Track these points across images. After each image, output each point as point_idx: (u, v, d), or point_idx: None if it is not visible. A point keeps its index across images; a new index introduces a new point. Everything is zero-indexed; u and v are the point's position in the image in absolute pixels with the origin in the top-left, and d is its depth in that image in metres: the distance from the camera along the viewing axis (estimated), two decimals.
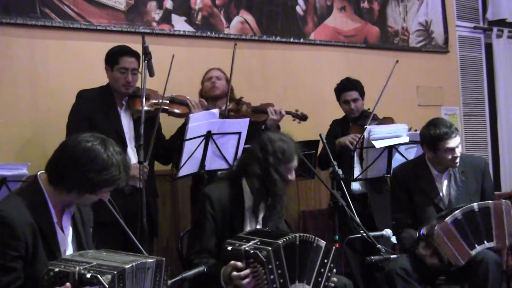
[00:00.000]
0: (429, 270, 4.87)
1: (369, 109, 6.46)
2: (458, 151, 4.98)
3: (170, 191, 5.99)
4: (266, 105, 6.06)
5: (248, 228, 4.32)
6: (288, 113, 6.06)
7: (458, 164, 5.02)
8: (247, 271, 3.84)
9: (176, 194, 6.30)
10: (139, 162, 4.65)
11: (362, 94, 6.43)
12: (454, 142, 4.94)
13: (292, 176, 4.33)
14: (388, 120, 6.34)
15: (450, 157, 4.96)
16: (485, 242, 4.79)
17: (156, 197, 5.65)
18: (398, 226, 5.10)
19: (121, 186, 3.42)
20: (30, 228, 3.22)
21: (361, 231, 4.48)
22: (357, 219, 4.53)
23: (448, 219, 4.71)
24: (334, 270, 4.09)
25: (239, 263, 3.87)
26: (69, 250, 3.43)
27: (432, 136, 4.96)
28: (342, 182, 4.76)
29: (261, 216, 4.40)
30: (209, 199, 4.27)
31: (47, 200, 3.35)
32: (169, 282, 3.56)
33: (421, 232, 4.80)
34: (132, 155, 5.30)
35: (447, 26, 8.73)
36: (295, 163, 4.33)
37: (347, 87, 6.42)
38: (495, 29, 9.28)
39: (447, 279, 5.07)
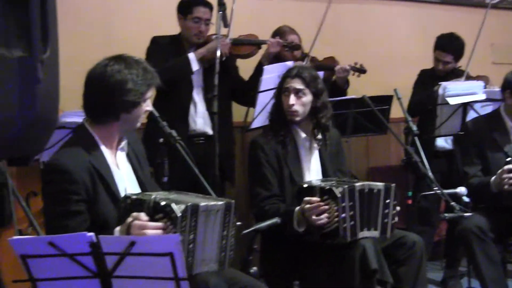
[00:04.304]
0: (504, 230, 4.82)
1: (460, 66, 6.36)
2: None
3: (241, 142, 5.99)
4: (329, 61, 6.10)
5: (304, 161, 4.39)
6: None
7: None
8: (321, 204, 3.89)
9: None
10: (212, 113, 4.66)
11: (457, 57, 6.29)
12: None
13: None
14: (482, 79, 6.16)
15: None
16: None
17: (233, 144, 5.69)
18: (467, 179, 5.03)
19: (155, 84, 3.46)
20: (86, 171, 3.27)
21: (435, 188, 4.44)
22: (431, 175, 4.48)
23: None
24: (398, 208, 4.13)
25: (314, 198, 3.92)
26: (129, 187, 3.48)
27: None
28: (416, 138, 4.72)
29: (315, 152, 4.43)
30: (259, 146, 4.34)
31: (97, 141, 3.40)
32: (243, 232, 3.60)
33: None
34: (200, 104, 5.37)
35: None
36: None
37: (445, 48, 6.27)
38: None
39: None
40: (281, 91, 4.39)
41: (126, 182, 3.47)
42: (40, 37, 2.21)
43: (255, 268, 3.89)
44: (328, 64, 6.00)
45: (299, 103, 4.32)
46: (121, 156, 3.51)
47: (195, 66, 5.24)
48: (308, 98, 4.34)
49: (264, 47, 5.68)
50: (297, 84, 4.33)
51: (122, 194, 3.37)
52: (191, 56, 5.24)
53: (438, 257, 6.72)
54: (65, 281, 2.71)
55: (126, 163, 3.53)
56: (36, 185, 4.71)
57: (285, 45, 5.74)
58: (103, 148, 3.41)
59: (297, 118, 4.35)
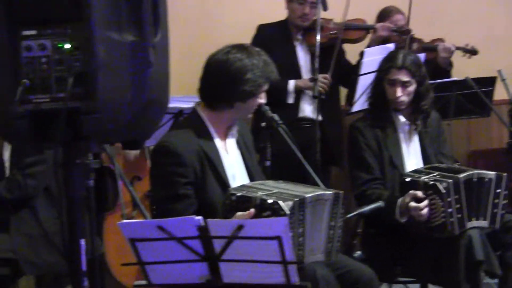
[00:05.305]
0: None
1: None
2: None
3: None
4: (436, 41, 5.94)
5: (404, 144, 4.31)
6: (457, 48, 5.89)
7: None
8: (426, 202, 3.81)
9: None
10: (314, 96, 4.64)
11: None
12: None
13: None
14: None
15: None
16: None
17: (341, 128, 5.65)
18: None
19: (274, 79, 3.45)
20: (196, 154, 3.30)
21: None
22: None
23: None
24: (505, 202, 4.01)
25: (418, 192, 3.85)
26: (238, 173, 3.49)
27: None
28: None
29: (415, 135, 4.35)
30: (358, 130, 4.29)
31: (207, 125, 3.42)
32: (346, 216, 3.57)
33: None
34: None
35: None
36: None
37: None
38: None
39: None
40: (384, 79, 4.32)
41: (235, 168, 3.49)
42: (152, 22, 2.23)
43: (359, 252, 3.87)
44: (433, 45, 5.88)
45: (405, 94, 4.25)
46: (231, 142, 3.54)
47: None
48: (413, 87, 4.25)
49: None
50: (404, 77, 4.22)
51: (230, 180, 3.40)
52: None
53: None
54: (173, 265, 2.74)
55: (235, 149, 3.55)
56: (140, 169, 4.78)
57: (394, 30, 5.65)
58: (213, 132, 3.44)
59: (403, 107, 4.29)
